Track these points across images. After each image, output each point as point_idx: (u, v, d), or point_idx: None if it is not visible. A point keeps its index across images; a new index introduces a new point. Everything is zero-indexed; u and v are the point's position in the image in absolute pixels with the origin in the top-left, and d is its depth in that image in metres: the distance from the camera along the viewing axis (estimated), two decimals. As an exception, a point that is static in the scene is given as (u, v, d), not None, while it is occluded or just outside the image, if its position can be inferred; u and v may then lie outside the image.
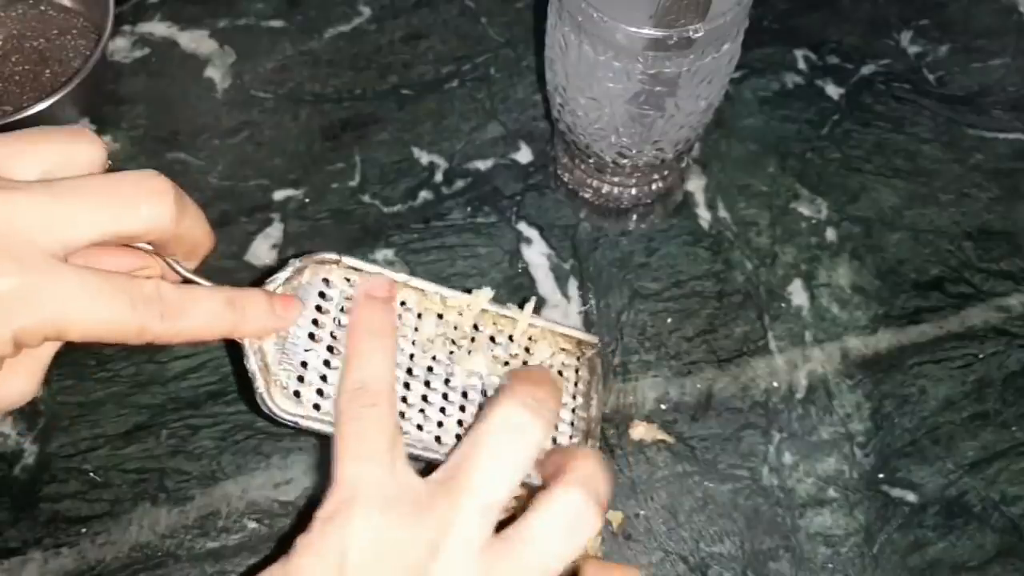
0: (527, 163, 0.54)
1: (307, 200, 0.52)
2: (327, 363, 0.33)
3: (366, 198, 0.52)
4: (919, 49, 0.59)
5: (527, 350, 0.38)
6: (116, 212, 0.27)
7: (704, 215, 0.52)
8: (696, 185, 0.53)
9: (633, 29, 0.36)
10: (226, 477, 0.44)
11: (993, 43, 0.60)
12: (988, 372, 0.48)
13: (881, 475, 0.45)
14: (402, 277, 0.35)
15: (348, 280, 0.35)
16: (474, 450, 0.29)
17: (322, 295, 0.34)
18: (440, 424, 0.34)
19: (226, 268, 0.50)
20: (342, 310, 0.34)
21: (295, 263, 0.33)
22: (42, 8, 0.56)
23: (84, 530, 0.43)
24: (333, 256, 0.34)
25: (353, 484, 0.28)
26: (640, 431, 0.45)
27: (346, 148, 0.54)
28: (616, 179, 0.49)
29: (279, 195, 0.52)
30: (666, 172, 0.50)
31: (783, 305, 0.50)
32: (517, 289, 0.50)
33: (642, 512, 0.44)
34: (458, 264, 0.50)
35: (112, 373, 0.47)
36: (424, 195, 0.53)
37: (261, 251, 0.51)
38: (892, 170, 0.54)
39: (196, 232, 0.30)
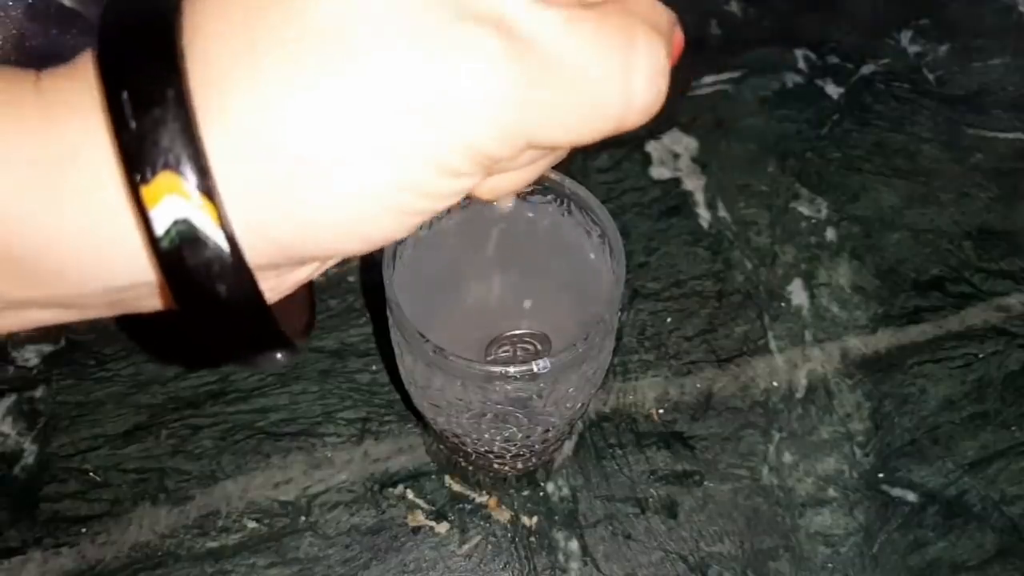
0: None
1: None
2: None
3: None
4: (919, 49, 0.59)
5: None
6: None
7: (704, 215, 0.52)
8: (696, 185, 0.53)
9: (463, 362, 0.30)
10: (226, 477, 0.44)
11: (993, 43, 0.60)
12: (988, 372, 0.48)
13: (881, 475, 0.45)
14: None
15: None
16: None
17: None
18: None
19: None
20: None
21: None
22: (42, 8, 0.56)
23: (84, 530, 0.43)
24: None
25: None
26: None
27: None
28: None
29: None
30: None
31: (783, 305, 0.50)
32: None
33: (642, 512, 0.44)
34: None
35: (112, 373, 0.47)
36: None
37: (261, 251, 0.51)
38: (892, 170, 0.54)
39: None
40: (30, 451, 0.45)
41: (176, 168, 0.16)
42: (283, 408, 0.46)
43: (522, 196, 0.35)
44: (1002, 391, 0.47)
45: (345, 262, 0.50)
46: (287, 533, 0.43)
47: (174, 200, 0.16)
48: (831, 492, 0.44)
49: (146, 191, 0.16)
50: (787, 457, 0.45)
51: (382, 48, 0.17)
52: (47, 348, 0.47)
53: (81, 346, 0.47)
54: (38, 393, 0.46)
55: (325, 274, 0.50)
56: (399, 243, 0.33)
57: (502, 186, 0.23)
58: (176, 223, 0.17)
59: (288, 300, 0.22)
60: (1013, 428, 0.46)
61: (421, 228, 0.34)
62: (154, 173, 0.16)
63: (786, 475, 0.45)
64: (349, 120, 0.17)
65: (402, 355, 0.34)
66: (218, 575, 0.42)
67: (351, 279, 0.50)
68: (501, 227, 0.36)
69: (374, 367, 0.47)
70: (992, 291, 0.50)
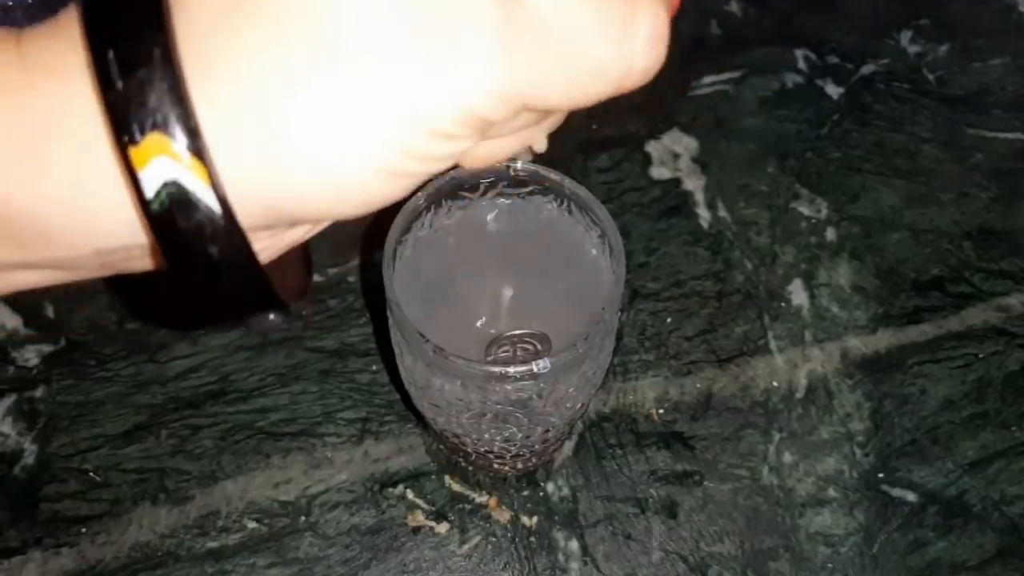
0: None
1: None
2: None
3: (366, 198, 0.52)
4: (919, 49, 0.59)
5: None
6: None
7: (704, 215, 0.52)
8: (696, 185, 0.53)
9: (463, 362, 0.30)
10: (226, 477, 0.44)
11: (993, 43, 0.60)
12: (988, 372, 0.48)
13: (881, 475, 0.45)
14: None
15: None
16: None
17: None
18: None
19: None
20: None
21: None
22: (42, 7, 0.56)
23: (84, 530, 0.43)
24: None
25: None
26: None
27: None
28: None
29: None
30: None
31: (783, 305, 0.50)
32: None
33: (642, 512, 0.44)
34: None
35: (112, 373, 0.47)
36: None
37: (261, 251, 0.51)
38: (892, 170, 0.54)
39: None
40: (30, 451, 0.45)
41: (165, 129, 0.16)
42: (283, 408, 0.46)
43: (522, 196, 0.35)
44: (1002, 391, 0.47)
45: (345, 262, 0.50)
46: (287, 533, 0.43)
47: (163, 162, 0.16)
48: (831, 492, 0.44)
49: (134, 152, 0.16)
50: (787, 457, 0.45)
51: (373, 9, 0.17)
52: (47, 348, 0.47)
53: (81, 346, 0.47)
54: (38, 393, 0.46)
55: (325, 274, 0.50)
56: (399, 243, 0.33)
57: (494, 152, 0.22)
58: (166, 185, 0.16)
59: (282, 261, 0.22)
60: (1013, 428, 0.46)
61: (421, 228, 0.34)
62: (142, 134, 0.16)
63: (786, 475, 0.45)
64: (340, 81, 0.17)
65: (402, 355, 0.34)
66: (218, 575, 0.42)
67: (351, 279, 0.50)
68: (501, 227, 0.36)
69: (374, 367, 0.47)
70: (992, 291, 0.50)
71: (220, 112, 0.17)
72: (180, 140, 0.16)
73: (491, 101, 0.18)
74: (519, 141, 0.22)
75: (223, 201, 0.17)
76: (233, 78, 0.17)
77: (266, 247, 0.20)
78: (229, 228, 0.17)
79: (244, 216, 0.17)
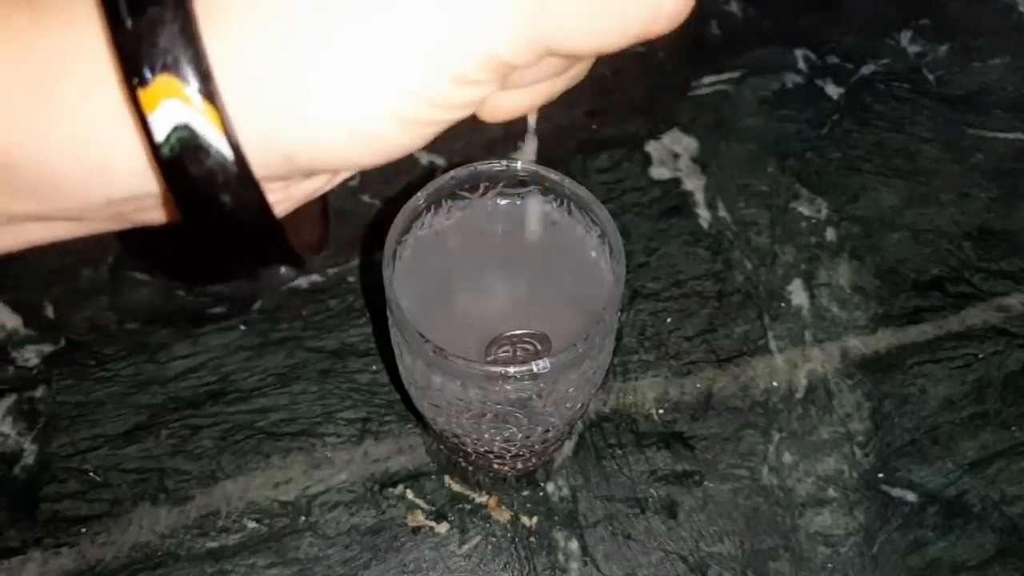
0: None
1: (307, 200, 0.52)
2: None
3: (366, 198, 0.52)
4: (919, 49, 0.59)
5: None
6: None
7: (704, 215, 0.52)
8: (696, 185, 0.53)
9: (463, 362, 0.30)
10: (226, 477, 0.44)
11: (993, 43, 0.60)
12: (988, 372, 0.48)
13: (881, 475, 0.45)
14: None
15: None
16: None
17: None
18: None
19: (226, 268, 0.50)
20: None
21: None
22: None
23: (84, 530, 0.43)
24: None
25: None
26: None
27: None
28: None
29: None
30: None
31: (783, 305, 0.50)
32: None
33: (642, 512, 0.44)
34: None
35: (112, 373, 0.47)
36: (424, 195, 0.53)
37: (261, 251, 0.51)
38: (892, 170, 0.54)
39: None
40: (30, 451, 0.45)
41: (175, 71, 0.15)
42: (283, 408, 0.46)
43: (522, 196, 0.35)
44: (1002, 391, 0.47)
45: (345, 262, 0.50)
46: (287, 533, 0.43)
47: (174, 104, 0.16)
48: (831, 492, 0.44)
49: (144, 95, 0.16)
50: (787, 457, 0.45)
51: None
52: (47, 348, 0.47)
53: (81, 346, 0.47)
54: (38, 393, 0.46)
55: (325, 274, 0.50)
56: (399, 243, 0.33)
57: (517, 104, 0.21)
58: (176, 129, 0.16)
59: (299, 214, 0.21)
60: (1013, 428, 0.46)
61: (421, 228, 0.34)
62: (152, 75, 0.15)
63: (786, 475, 0.45)
64: (360, 25, 0.16)
65: (402, 355, 0.34)
66: (218, 575, 0.42)
67: (351, 279, 0.50)
68: (501, 227, 0.36)
69: (374, 367, 0.47)
70: (992, 291, 0.50)
71: (233, 55, 0.16)
72: (191, 83, 0.16)
73: (515, 45, 0.17)
74: (541, 93, 0.21)
75: (235, 147, 0.16)
76: (247, 21, 0.16)
77: (281, 199, 0.19)
78: (242, 176, 0.16)
79: (257, 164, 0.17)
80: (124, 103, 0.16)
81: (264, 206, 0.17)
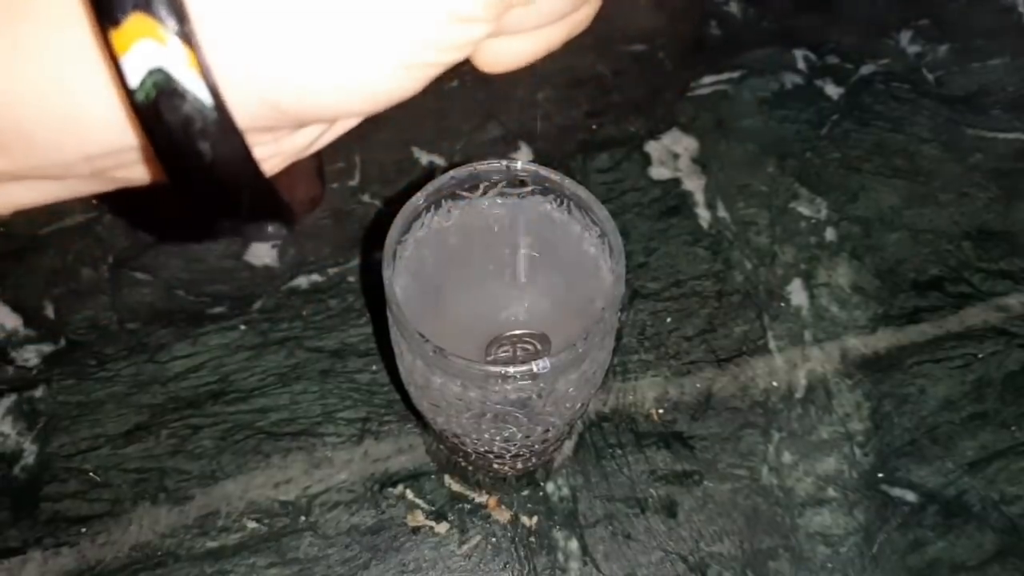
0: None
1: (307, 200, 0.52)
2: None
3: (366, 198, 0.52)
4: (918, 49, 0.59)
5: None
6: None
7: (703, 215, 0.52)
8: (696, 185, 0.53)
9: (463, 362, 0.30)
10: (226, 477, 0.44)
11: (993, 43, 0.60)
12: (988, 372, 0.48)
13: (880, 475, 0.45)
14: None
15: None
16: None
17: None
18: None
19: (226, 268, 0.50)
20: None
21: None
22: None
23: (84, 530, 0.43)
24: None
25: None
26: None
27: (346, 148, 0.54)
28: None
29: (279, 195, 0.52)
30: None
31: (782, 305, 0.50)
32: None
33: (642, 512, 0.44)
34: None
35: (112, 373, 0.47)
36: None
37: (261, 251, 0.51)
38: (891, 170, 0.54)
39: None
40: (30, 451, 0.45)
41: (148, 9, 0.14)
42: (283, 408, 0.46)
43: (522, 196, 0.35)
44: (1002, 391, 0.47)
45: (345, 262, 0.50)
46: (287, 533, 0.43)
47: (148, 45, 0.14)
48: (831, 492, 0.44)
49: (116, 36, 0.14)
50: (787, 457, 0.45)
51: None
52: (47, 348, 0.47)
53: (81, 346, 0.47)
54: (38, 393, 0.46)
55: (325, 274, 0.50)
56: (399, 243, 0.33)
57: (518, 53, 0.20)
58: (151, 73, 0.15)
59: (292, 169, 0.20)
60: (1013, 428, 0.46)
61: (421, 228, 0.34)
62: (124, 15, 0.14)
63: (786, 475, 0.45)
64: None
65: (402, 355, 0.34)
66: (218, 575, 0.42)
67: (351, 279, 0.50)
68: (501, 227, 0.36)
69: (374, 367, 0.47)
70: (992, 291, 0.50)
71: None
72: (166, 22, 0.14)
73: None
74: (542, 41, 0.20)
75: (214, 91, 0.15)
76: None
77: (272, 153, 0.18)
78: (222, 122, 0.15)
79: (240, 111, 0.16)
80: (96, 46, 0.15)
81: (248, 157, 0.16)
